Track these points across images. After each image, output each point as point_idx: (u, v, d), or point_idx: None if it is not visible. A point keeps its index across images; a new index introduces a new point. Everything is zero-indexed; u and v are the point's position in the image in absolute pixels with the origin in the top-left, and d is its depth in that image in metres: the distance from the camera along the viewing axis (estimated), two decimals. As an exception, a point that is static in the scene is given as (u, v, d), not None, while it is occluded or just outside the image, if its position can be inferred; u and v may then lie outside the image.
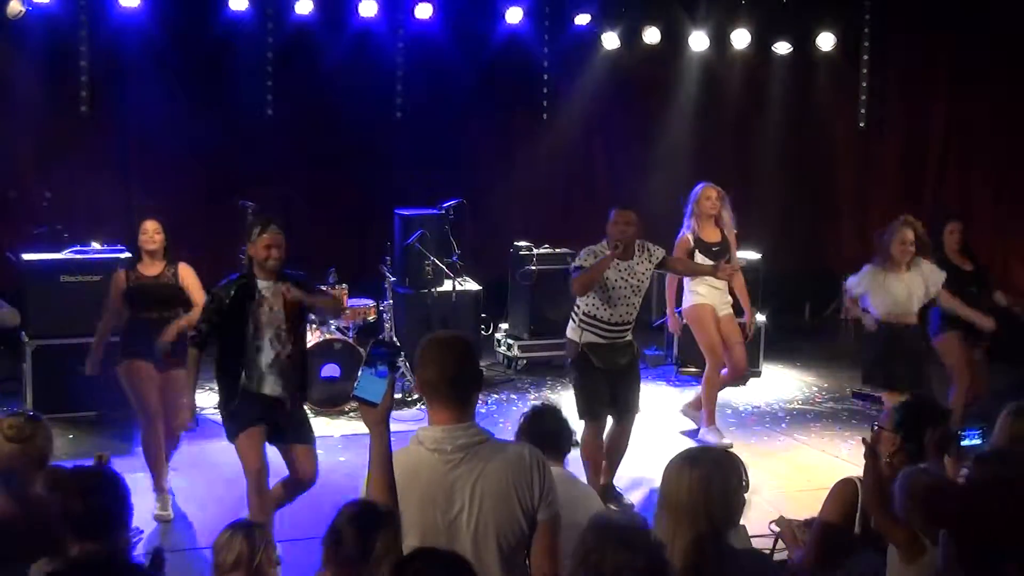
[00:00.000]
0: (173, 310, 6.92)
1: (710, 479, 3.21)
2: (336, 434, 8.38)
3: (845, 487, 4.17)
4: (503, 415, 8.88)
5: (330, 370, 8.75)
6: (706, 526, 3.18)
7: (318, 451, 7.94)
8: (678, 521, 3.19)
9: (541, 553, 3.26)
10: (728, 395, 9.64)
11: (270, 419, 5.95)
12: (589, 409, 6.85)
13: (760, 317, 10.13)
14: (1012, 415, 4.37)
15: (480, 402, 9.09)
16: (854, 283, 7.50)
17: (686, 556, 3.15)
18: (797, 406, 9.46)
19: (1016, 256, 11.05)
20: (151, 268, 6.98)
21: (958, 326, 7.87)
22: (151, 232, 6.98)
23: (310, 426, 6.23)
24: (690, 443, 8.41)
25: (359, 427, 8.41)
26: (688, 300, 8.32)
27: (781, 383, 10.10)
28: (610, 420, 7.02)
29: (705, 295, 8.22)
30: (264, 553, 3.71)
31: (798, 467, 7.81)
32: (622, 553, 2.72)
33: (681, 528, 3.18)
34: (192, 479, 7.33)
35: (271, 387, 5.92)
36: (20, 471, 3.86)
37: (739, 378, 8.57)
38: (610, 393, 6.88)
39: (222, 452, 7.22)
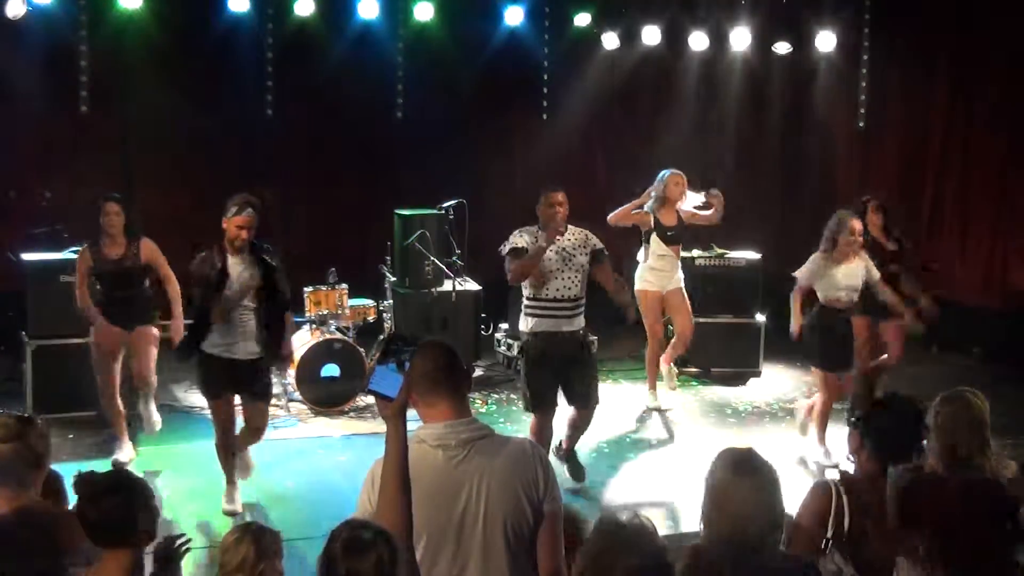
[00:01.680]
0: (138, 288, 7.41)
1: (760, 487, 3.26)
2: (336, 434, 8.38)
3: (819, 490, 4.18)
4: (503, 415, 8.88)
5: (330, 370, 8.75)
6: (762, 533, 3.24)
7: (318, 451, 8.02)
8: (728, 527, 3.23)
9: (546, 545, 3.29)
10: (728, 395, 9.66)
11: (237, 381, 6.56)
12: (535, 402, 6.92)
13: (760, 317, 10.14)
14: (940, 404, 4.37)
15: (480, 402, 9.18)
16: (803, 274, 7.79)
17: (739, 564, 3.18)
18: (797, 406, 9.44)
19: (1016, 256, 11.03)
20: (113, 248, 7.34)
21: (867, 312, 8.27)
22: (112, 214, 7.30)
23: (270, 383, 6.88)
24: (685, 442, 8.43)
25: (359, 427, 8.41)
26: (637, 284, 8.89)
27: (781, 383, 10.09)
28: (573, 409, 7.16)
29: (652, 281, 8.88)
30: (269, 563, 3.67)
31: (798, 467, 7.80)
32: (633, 558, 2.70)
33: (737, 536, 3.20)
34: (192, 478, 7.32)
35: (243, 350, 6.47)
36: (14, 472, 3.84)
37: (686, 345, 9.14)
38: (565, 386, 6.98)
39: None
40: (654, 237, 8.84)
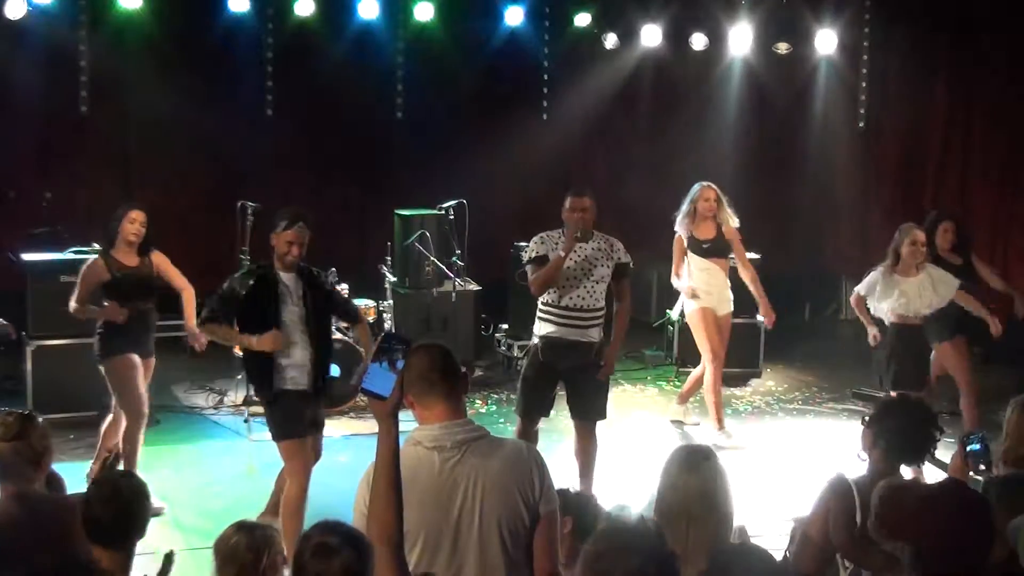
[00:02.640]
0: (152, 301, 6.95)
1: (708, 481, 3.27)
2: (336, 434, 8.37)
3: (842, 485, 4.18)
4: (503, 415, 8.87)
5: (330, 370, 8.73)
6: (712, 527, 3.26)
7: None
8: (681, 522, 3.24)
9: (542, 547, 3.29)
10: (729, 395, 9.65)
11: (309, 417, 5.99)
12: (523, 407, 6.69)
13: (760, 317, 10.12)
14: (1019, 408, 4.36)
15: (480, 402, 9.18)
16: (865, 286, 7.45)
17: (695, 558, 3.18)
18: (797, 406, 9.46)
19: (1016, 256, 11.04)
20: (129, 258, 6.87)
21: (965, 331, 7.90)
22: (138, 223, 6.84)
23: (323, 412, 6.29)
24: (686, 441, 8.41)
25: (359, 427, 8.41)
26: (688, 304, 8.44)
27: (781, 383, 10.10)
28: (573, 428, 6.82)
29: (702, 299, 8.34)
30: (269, 558, 3.64)
31: (798, 467, 7.80)
32: (633, 560, 2.70)
33: (686, 530, 3.22)
34: (193, 478, 7.32)
35: (302, 380, 5.93)
36: (15, 469, 3.85)
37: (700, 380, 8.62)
38: (570, 396, 6.69)
39: (223, 451, 7.24)
40: (690, 254, 8.37)
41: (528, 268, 6.68)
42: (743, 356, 10.11)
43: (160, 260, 7.00)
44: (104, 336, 6.79)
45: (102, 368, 6.79)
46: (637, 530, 2.79)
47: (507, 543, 3.25)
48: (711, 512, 3.29)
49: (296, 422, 5.89)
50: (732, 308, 8.52)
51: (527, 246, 6.80)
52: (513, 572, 3.27)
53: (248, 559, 3.60)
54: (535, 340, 6.71)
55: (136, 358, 6.76)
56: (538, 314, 6.72)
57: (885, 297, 7.33)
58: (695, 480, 3.31)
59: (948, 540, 3.13)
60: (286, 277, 5.90)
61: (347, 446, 8.06)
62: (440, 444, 3.26)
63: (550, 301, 6.61)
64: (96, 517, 3.51)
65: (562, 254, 6.46)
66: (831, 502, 4.10)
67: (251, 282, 5.85)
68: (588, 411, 6.67)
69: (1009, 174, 11.03)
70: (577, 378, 6.63)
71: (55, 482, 4.13)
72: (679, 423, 8.77)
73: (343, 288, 9.22)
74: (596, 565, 2.73)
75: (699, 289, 8.34)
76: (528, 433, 6.64)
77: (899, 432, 4.14)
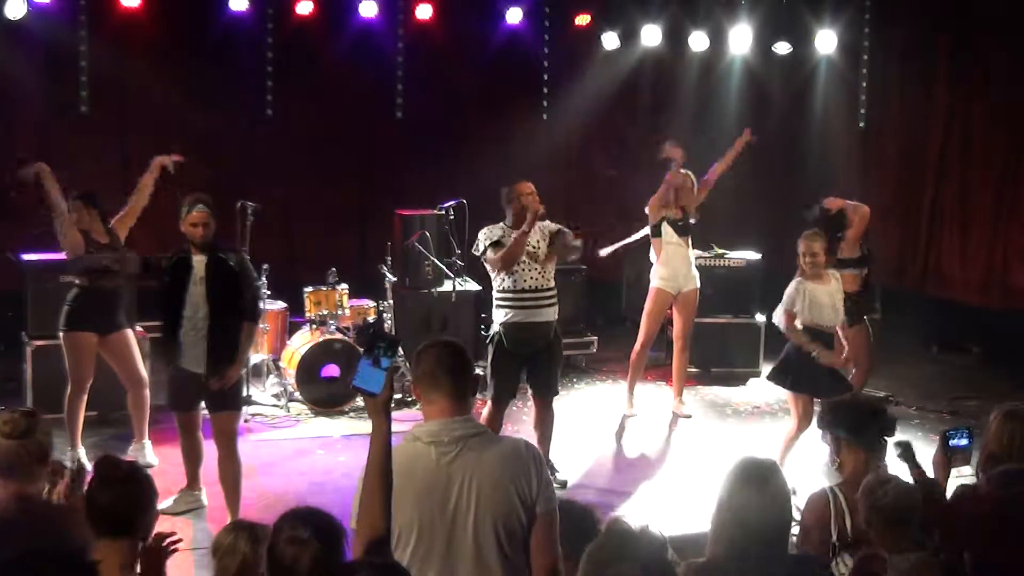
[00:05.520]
0: (118, 279, 7.36)
1: (775, 502, 3.27)
2: (336, 434, 8.38)
3: (816, 498, 4.23)
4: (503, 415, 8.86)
5: (330, 370, 8.75)
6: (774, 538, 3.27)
7: (318, 451, 8.01)
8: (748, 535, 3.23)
9: (539, 546, 3.27)
10: (729, 395, 9.65)
11: (201, 395, 6.45)
12: (495, 393, 7.07)
13: (760, 317, 10.13)
14: (1004, 418, 4.36)
15: (480, 402, 9.14)
16: (789, 298, 7.24)
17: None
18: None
19: (1016, 256, 11.03)
20: (102, 236, 7.47)
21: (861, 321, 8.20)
22: (82, 211, 7.51)
23: (231, 395, 6.53)
24: (686, 442, 8.43)
25: (359, 427, 8.41)
26: (652, 280, 8.72)
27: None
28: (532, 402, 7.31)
29: (667, 279, 8.61)
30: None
31: (798, 468, 7.79)
32: (635, 568, 2.67)
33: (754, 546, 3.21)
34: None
35: (196, 362, 6.32)
36: (22, 467, 3.84)
37: (683, 350, 8.91)
38: (530, 374, 7.12)
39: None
40: (666, 226, 8.63)
41: (488, 253, 7.00)
42: (743, 356, 10.12)
43: (118, 223, 7.61)
44: (68, 308, 7.26)
45: (61, 336, 7.30)
46: (641, 538, 2.78)
47: (502, 540, 3.24)
48: (769, 531, 3.23)
49: (186, 403, 6.52)
50: (697, 285, 8.75)
51: (478, 241, 7.11)
52: (509, 570, 3.25)
53: (249, 558, 3.60)
54: (498, 327, 7.04)
55: (87, 336, 7.24)
56: (496, 303, 7.10)
57: (799, 304, 7.14)
58: (755, 500, 3.23)
59: (1011, 549, 3.13)
60: (198, 259, 6.37)
61: (347, 446, 8.07)
62: (437, 439, 3.27)
63: (508, 288, 6.99)
64: (95, 501, 3.50)
65: (526, 229, 6.85)
66: (806, 517, 4.16)
67: (173, 261, 6.40)
68: (548, 388, 7.17)
69: (1009, 174, 11.02)
70: (537, 359, 7.07)
71: (61, 470, 4.09)
72: (675, 416, 8.89)
73: (343, 288, 9.23)
74: (596, 568, 2.72)
75: (667, 270, 8.61)
76: (498, 418, 7.07)
77: (850, 413, 4.31)
